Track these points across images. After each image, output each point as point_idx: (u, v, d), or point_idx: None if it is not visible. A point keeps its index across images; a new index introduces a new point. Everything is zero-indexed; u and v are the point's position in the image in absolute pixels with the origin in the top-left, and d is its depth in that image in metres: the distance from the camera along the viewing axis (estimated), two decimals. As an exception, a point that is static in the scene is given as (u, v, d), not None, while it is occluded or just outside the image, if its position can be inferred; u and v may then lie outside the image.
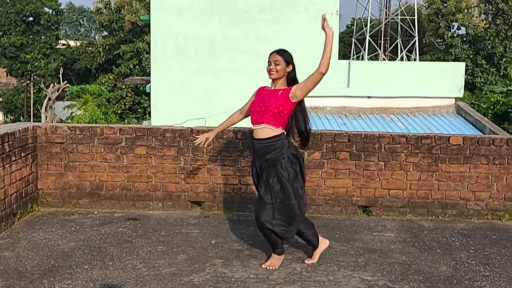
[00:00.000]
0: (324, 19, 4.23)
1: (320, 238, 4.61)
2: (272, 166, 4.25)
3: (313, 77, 4.21)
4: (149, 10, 17.87)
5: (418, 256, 4.78)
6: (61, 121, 30.80)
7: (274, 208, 4.22)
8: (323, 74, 4.20)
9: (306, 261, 4.52)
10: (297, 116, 4.38)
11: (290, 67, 4.32)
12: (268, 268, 4.37)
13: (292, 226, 4.30)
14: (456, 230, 5.56)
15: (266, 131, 4.28)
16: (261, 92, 4.43)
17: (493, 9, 35.83)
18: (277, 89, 4.32)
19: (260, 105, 4.31)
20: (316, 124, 13.75)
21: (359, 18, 40.14)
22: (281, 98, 4.26)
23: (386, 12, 38.74)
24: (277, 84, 4.34)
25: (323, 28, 4.23)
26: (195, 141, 4.84)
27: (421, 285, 4.15)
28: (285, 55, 4.31)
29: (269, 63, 4.31)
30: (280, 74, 4.29)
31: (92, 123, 24.52)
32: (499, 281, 4.28)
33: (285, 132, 4.33)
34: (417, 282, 4.19)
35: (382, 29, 38.21)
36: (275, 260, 4.43)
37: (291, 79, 4.34)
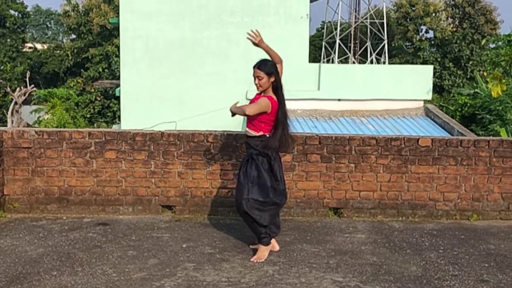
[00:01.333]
0: (254, 36, 4.78)
1: (273, 241, 4.80)
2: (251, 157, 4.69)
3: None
4: (118, 13, 17.70)
5: (388, 256, 4.83)
6: (28, 125, 30.19)
7: (249, 188, 4.58)
8: (281, 63, 4.83)
9: (252, 259, 4.63)
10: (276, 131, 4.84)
11: (273, 78, 4.61)
12: (256, 261, 4.54)
13: (265, 212, 4.57)
14: (426, 231, 5.63)
15: (248, 133, 4.75)
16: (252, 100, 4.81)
17: (460, 13, 36.56)
18: (260, 96, 4.70)
19: None
20: (287, 127, 13.76)
21: (329, 22, 40.45)
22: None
23: (355, 16, 39.13)
24: (267, 93, 4.67)
25: (256, 45, 4.78)
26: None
27: (392, 285, 4.19)
28: (265, 68, 4.61)
29: (254, 78, 4.63)
30: (265, 87, 4.63)
31: (60, 127, 24.12)
32: (467, 280, 4.34)
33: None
34: (388, 283, 4.23)
35: (352, 32, 38.57)
36: (262, 252, 4.62)
37: (275, 87, 4.65)
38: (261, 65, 4.61)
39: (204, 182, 5.92)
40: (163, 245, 4.98)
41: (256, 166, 4.62)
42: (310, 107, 15.07)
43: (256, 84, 4.65)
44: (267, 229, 4.63)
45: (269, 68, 4.60)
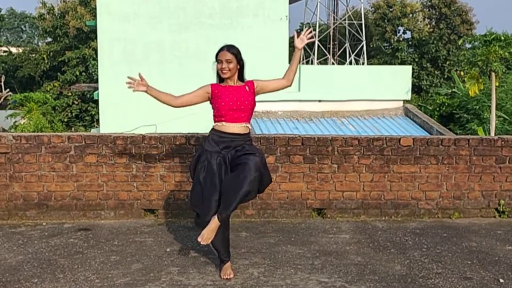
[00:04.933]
0: (304, 38, 4.37)
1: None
2: (243, 149, 4.16)
3: (278, 84, 4.38)
4: (94, 16, 17.52)
5: (373, 256, 4.84)
6: (4, 130, 29.72)
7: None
8: (287, 87, 4.38)
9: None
10: None
11: (239, 65, 4.25)
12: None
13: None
14: (409, 230, 5.66)
15: (244, 128, 4.23)
16: (224, 90, 4.23)
17: (436, 13, 37.00)
18: (241, 86, 4.26)
19: (237, 103, 4.18)
20: (269, 129, 13.80)
21: (308, 23, 40.60)
22: (251, 95, 4.26)
23: (334, 17, 39.36)
24: (232, 82, 4.25)
25: (298, 46, 4.38)
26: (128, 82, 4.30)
27: (377, 284, 4.19)
28: (235, 51, 4.22)
29: (220, 62, 4.18)
30: (233, 72, 4.21)
31: (37, 132, 23.79)
32: (451, 277, 4.37)
33: None
34: (373, 282, 4.23)
35: (331, 33, 38.80)
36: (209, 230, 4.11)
37: (241, 74, 4.29)
38: (230, 47, 4.20)
39: (187, 185, 5.87)
40: (146, 249, 4.91)
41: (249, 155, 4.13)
42: (291, 108, 15.12)
43: (223, 68, 4.16)
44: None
45: (238, 52, 4.21)
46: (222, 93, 4.22)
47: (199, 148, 4.34)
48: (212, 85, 4.31)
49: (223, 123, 4.20)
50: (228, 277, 4.24)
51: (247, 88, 4.26)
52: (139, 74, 4.30)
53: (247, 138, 4.26)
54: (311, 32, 4.42)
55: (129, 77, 4.28)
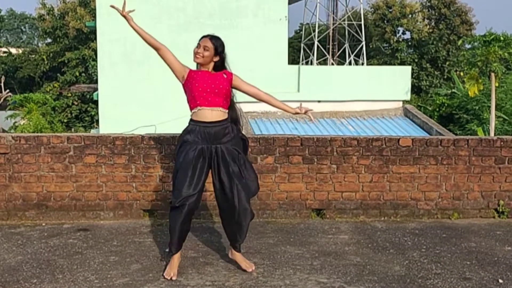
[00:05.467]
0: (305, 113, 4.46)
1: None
2: (227, 152, 4.22)
3: (254, 90, 4.41)
4: (94, 16, 17.53)
5: (372, 257, 4.84)
6: (4, 131, 29.72)
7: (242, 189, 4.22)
8: (259, 99, 4.43)
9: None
10: (233, 104, 4.44)
11: (217, 58, 4.26)
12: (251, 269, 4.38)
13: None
14: (408, 230, 5.66)
15: (220, 113, 4.22)
16: (200, 74, 4.27)
17: (436, 14, 37.04)
18: (219, 73, 4.28)
19: (211, 86, 4.19)
20: (268, 129, 13.81)
21: (307, 24, 40.63)
22: (228, 82, 4.26)
23: (333, 18, 39.38)
24: (206, 69, 4.28)
25: (291, 110, 4.46)
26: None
27: (376, 285, 4.20)
28: (217, 43, 4.24)
29: (198, 45, 4.23)
30: (205, 61, 4.23)
31: (37, 132, 23.79)
32: (450, 278, 4.37)
33: None
34: (372, 283, 4.24)
35: (330, 34, 38.81)
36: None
37: (218, 67, 4.30)
38: (214, 38, 4.24)
39: (186, 185, 5.86)
40: (145, 250, 4.92)
41: (238, 162, 4.30)
42: (290, 108, 15.10)
43: (197, 53, 4.21)
44: None
45: (219, 45, 4.23)
46: (198, 75, 4.26)
47: (179, 139, 4.35)
48: (190, 70, 4.35)
49: (198, 107, 4.20)
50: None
51: (224, 75, 4.27)
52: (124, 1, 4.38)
53: (225, 124, 4.24)
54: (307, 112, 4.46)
55: (112, 6, 4.48)
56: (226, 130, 4.24)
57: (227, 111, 4.29)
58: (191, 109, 4.28)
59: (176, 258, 4.30)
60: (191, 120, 4.28)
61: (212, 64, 4.27)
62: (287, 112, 4.53)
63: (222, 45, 4.25)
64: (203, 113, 4.19)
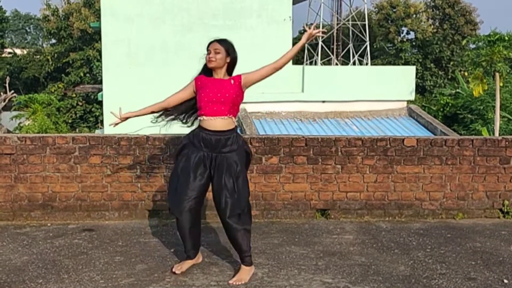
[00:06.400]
0: (313, 32, 4.23)
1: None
2: (226, 163, 4.14)
3: (266, 71, 4.24)
4: (98, 17, 17.57)
5: (377, 257, 4.84)
6: (9, 132, 29.81)
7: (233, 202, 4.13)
8: (277, 70, 4.25)
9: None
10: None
11: (229, 59, 4.21)
12: (236, 283, 4.17)
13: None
14: (413, 230, 5.66)
15: (224, 122, 4.14)
16: (208, 81, 4.21)
17: (440, 14, 36.98)
18: (227, 79, 4.22)
19: (217, 95, 4.13)
20: (272, 129, 13.81)
21: (311, 24, 40.62)
22: (236, 88, 4.18)
23: (337, 18, 39.35)
24: (219, 74, 4.20)
25: (308, 36, 4.24)
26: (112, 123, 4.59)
27: (380, 285, 4.20)
28: (225, 45, 4.20)
29: (209, 51, 4.18)
30: (219, 63, 4.15)
31: (42, 133, 23.85)
32: (455, 278, 4.37)
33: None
34: (377, 283, 4.23)
35: (334, 34, 38.78)
36: (245, 274, 4.27)
37: (231, 70, 4.27)
38: (221, 40, 4.19)
39: (191, 185, 5.88)
40: (150, 250, 4.93)
41: (234, 173, 4.17)
42: (295, 109, 15.11)
43: (210, 57, 4.13)
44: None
45: (229, 47, 4.18)
46: (205, 84, 4.21)
47: (183, 139, 4.32)
48: (196, 78, 4.32)
49: (204, 117, 4.16)
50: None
51: (232, 81, 4.20)
52: (119, 109, 4.47)
53: (228, 135, 4.16)
54: (319, 29, 4.29)
55: (111, 112, 4.50)
56: (229, 141, 4.15)
57: (235, 118, 4.25)
58: (198, 116, 4.27)
59: (193, 261, 4.43)
60: (198, 126, 4.28)
61: (225, 67, 4.23)
62: (303, 43, 4.30)
63: (231, 45, 4.23)
64: (207, 122, 4.15)
